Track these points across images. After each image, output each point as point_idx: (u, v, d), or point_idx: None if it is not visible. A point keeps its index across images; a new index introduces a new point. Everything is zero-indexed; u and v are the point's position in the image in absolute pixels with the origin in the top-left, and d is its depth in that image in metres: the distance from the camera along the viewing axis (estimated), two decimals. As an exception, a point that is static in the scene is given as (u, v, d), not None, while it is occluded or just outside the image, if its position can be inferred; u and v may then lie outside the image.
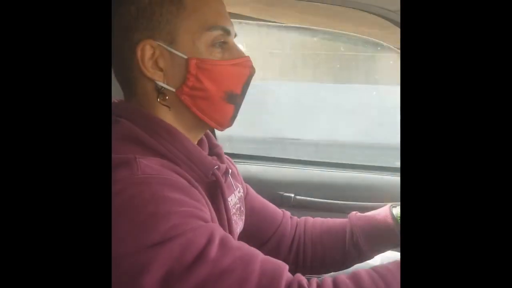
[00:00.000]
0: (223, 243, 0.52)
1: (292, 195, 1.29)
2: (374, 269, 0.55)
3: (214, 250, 0.50)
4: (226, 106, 0.63)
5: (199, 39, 0.60)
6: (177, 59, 0.60)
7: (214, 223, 0.58)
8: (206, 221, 0.54)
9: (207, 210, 0.57)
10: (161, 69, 0.60)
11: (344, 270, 0.85)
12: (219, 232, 0.53)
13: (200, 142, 0.69)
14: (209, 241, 0.50)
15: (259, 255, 0.53)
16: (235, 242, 0.53)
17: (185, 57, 0.59)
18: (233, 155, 1.36)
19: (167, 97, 0.61)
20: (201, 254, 0.49)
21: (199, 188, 0.59)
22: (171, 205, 0.51)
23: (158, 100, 0.61)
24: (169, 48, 0.59)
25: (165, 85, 0.60)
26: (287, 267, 0.53)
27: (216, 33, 0.60)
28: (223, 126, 0.66)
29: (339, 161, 1.42)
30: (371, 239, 0.80)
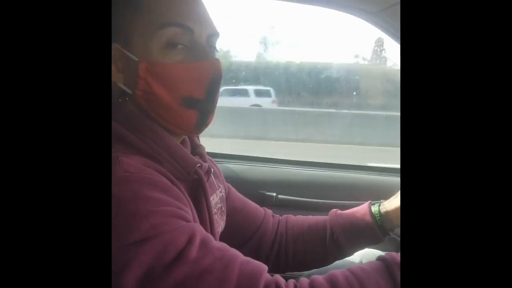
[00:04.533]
0: (204, 243, 0.52)
1: (274, 194, 1.29)
2: (350, 270, 0.55)
3: (194, 250, 0.50)
4: (185, 112, 0.59)
5: (151, 40, 0.57)
6: (131, 61, 0.58)
7: (195, 222, 0.59)
8: (187, 220, 0.54)
9: (188, 210, 0.57)
10: (121, 71, 0.60)
11: (323, 269, 0.86)
12: (200, 232, 0.53)
13: (182, 142, 0.69)
14: (190, 241, 0.51)
15: (239, 256, 0.54)
16: (215, 243, 0.53)
17: (136, 59, 0.58)
18: (215, 154, 1.36)
19: (127, 98, 0.60)
20: (181, 254, 0.50)
21: (181, 186, 0.59)
22: (152, 204, 0.51)
23: (120, 100, 0.60)
24: (123, 50, 0.58)
25: (124, 87, 0.60)
26: (266, 268, 0.54)
27: (170, 31, 0.56)
28: (187, 132, 0.63)
29: (321, 161, 1.43)
30: (350, 236, 0.81)
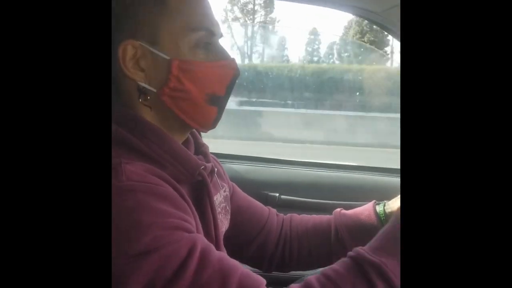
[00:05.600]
0: (204, 255, 0.51)
1: (277, 194, 1.29)
2: (324, 274, 0.55)
3: (194, 263, 0.50)
4: (209, 108, 0.62)
5: (182, 40, 0.59)
6: (159, 59, 0.59)
7: (198, 228, 0.58)
8: (189, 231, 0.53)
9: (191, 219, 0.56)
10: (142, 70, 0.60)
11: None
12: (201, 243, 0.53)
13: (186, 142, 0.69)
14: (190, 253, 0.50)
15: (238, 269, 0.53)
16: (215, 255, 0.53)
17: (168, 57, 0.59)
18: (218, 155, 1.36)
19: (148, 98, 0.60)
20: (181, 267, 0.49)
21: (184, 190, 0.58)
22: (154, 216, 0.50)
23: (140, 100, 0.60)
24: (151, 49, 0.59)
25: (146, 86, 0.60)
26: (264, 282, 0.54)
27: (200, 34, 0.60)
28: (205, 128, 0.65)
29: (325, 161, 1.43)
30: (354, 236, 0.81)
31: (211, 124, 0.65)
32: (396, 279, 0.50)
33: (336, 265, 0.55)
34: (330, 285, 0.52)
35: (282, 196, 1.29)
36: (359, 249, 0.56)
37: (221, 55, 0.63)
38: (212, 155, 0.77)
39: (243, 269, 0.54)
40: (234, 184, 0.86)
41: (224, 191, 0.76)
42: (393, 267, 0.51)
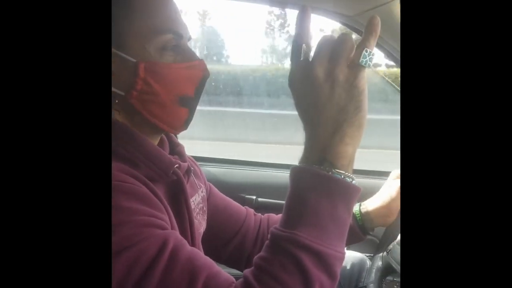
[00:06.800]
0: (174, 253, 0.51)
1: (254, 197, 1.29)
2: (255, 263, 0.51)
3: (163, 261, 0.50)
4: (179, 109, 0.62)
5: (149, 43, 0.59)
6: (126, 63, 0.59)
7: (173, 226, 0.58)
8: (162, 228, 0.53)
9: (165, 216, 0.56)
10: (112, 74, 0.59)
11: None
12: (174, 238, 0.52)
13: (160, 142, 0.69)
14: (160, 251, 0.50)
15: (206, 268, 0.51)
16: (186, 253, 0.52)
17: (134, 60, 0.59)
18: (195, 158, 1.35)
19: (116, 101, 0.60)
20: (151, 265, 0.49)
21: (158, 189, 0.58)
22: (124, 215, 0.50)
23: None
24: (117, 52, 0.59)
25: (114, 89, 0.59)
26: (233, 281, 0.51)
27: (167, 37, 0.60)
28: (177, 129, 0.65)
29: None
30: None
31: (182, 125, 0.64)
32: (316, 244, 0.48)
33: (263, 251, 0.52)
34: (263, 275, 0.49)
35: (259, 199, 1.29)
36: (272, 228, 0.53)
37: (189, 56, 0.62)
38: (189, 156, 0.76)
39: (214, 268, 0.53)
40: (211, 185, 0.85)
41: (202, 192, 0.76)
42: (308, 234, 0.48)
